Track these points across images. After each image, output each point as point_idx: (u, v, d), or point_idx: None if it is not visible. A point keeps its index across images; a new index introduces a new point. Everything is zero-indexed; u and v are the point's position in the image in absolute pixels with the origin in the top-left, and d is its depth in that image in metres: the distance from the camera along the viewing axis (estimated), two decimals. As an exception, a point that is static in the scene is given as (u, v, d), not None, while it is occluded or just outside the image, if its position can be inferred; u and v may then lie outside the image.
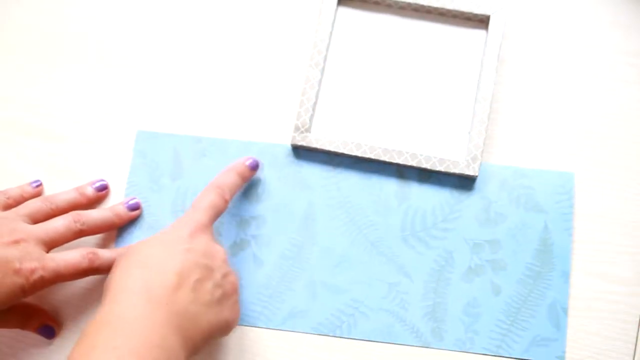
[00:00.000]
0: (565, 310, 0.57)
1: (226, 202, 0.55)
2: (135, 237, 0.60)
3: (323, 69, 0.62)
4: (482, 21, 0.63)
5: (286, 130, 0.62)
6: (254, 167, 0.59)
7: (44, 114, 0.63)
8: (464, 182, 0.60)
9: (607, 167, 0.60)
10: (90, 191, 0.60)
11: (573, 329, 0.57)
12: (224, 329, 0.50)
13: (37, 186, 0.60)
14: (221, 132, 0.62)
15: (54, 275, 0.52)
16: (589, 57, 0.63)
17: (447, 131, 0.61)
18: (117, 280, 0.48)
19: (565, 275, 0.57)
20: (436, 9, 0.63)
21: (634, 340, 0.56)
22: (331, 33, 0.63)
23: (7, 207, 0.57)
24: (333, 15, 0.63)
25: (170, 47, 0.65)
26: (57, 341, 0.57)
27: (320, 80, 0.62)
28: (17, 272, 0.50)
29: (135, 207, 0.60)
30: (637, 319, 0.57)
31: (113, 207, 0.59)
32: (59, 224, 0.55)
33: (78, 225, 0.55)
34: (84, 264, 0.53)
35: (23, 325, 0.56)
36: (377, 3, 0.64)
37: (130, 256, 0.50)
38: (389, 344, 0.56)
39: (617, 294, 0.58)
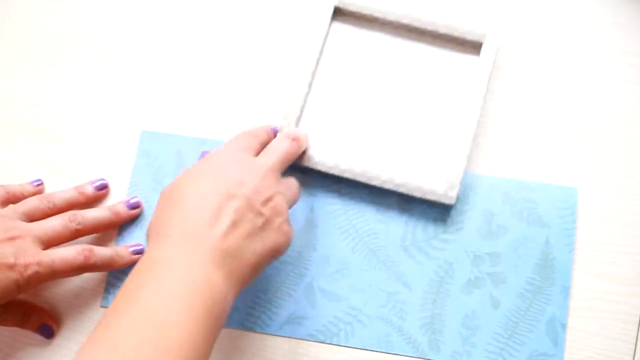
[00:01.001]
0: (564, 327, 0.56)
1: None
2: (135, 237, 0.60)
3: (311, 83, 0.61)
4: (475, 47, 0.62)
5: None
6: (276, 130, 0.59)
7: (44, 114, 0.63)
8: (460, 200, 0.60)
9: (607, 167, 0.60)
10: (89, 190, 0.60)
11: (573, 329, 0.56)
12: (274, 253, 0.49)
13: (38, 185, 0.61)
14: (222, 134, 0.62)
15: (49, 271, 0.52)
16: (589, 57, 0.63)
17: (430, 156, 0.60)
18: (155, 224, 0.48)
19: (566, 291, 0.57)
20: (430, 31, 0.62)
21: (634, 340, 0.56)
22: (322, 48, 0.62)
23: (6, 201, 0.57)
24: (326, 30, 0.62)
25: (171, 48, 0.65)
26: (57, 340, 0.58)
27: (306, 95, 0.61)
28: (11, 267, 0.50)
29: (136, 206, 0.60)
30: (637, 319, 0.57)
31: (112, 205, 0.59)
32: (56, 223, 0.55)
33: (74, 225, 0.55)
34: (80, 260, 0.53)
35: (22, 323, 0.56)
36: (371, 20, 0.63)
37: (167, 197, 0.49)
38: (386, 354, 0.57)
39: (617, 294, 0.57)
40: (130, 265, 0.58)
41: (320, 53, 0.62)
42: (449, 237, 0.59)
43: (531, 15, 0.64)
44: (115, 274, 0.59)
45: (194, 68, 0.64)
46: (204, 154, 0.56)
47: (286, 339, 0.57)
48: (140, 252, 0.59)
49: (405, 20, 0.62)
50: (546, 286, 0.57)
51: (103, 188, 0.61)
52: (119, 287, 0.59)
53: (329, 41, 0.63)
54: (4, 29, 0.66)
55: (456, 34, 0.61)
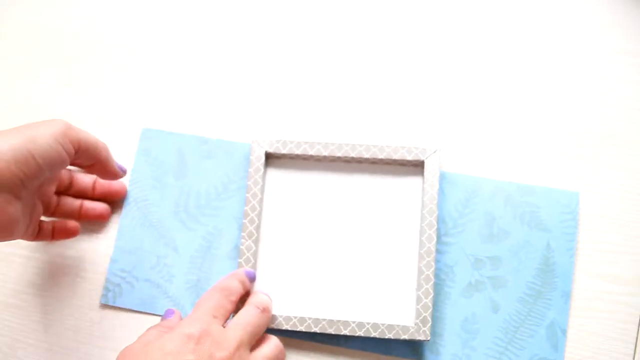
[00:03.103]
0: (564, 332, 0.56)
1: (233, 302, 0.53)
2: (137, 237, 0.60)
3: (257, 239, 0.58)
4: (416, 166, 0.59)
5: (292, 130, 0.62)
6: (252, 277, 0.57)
7: (45, 113, 0.63)
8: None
9: (607, 167, 0.60)
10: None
11: (573, 329, 0.56)
12: None
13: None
14: (224, 132, 0.62)
15: None
16: (589, 57, 0.62)
17: (393, 291, 0.57)
18: None
19: (566, 296, 0.57)
20: (367, 159, 0.59)
21: (634, 340, 0.56)
22: (262, 199, 0.59)
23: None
24: (262, 180, 0.59)
25: (172, 47, 0.64)
26: (55, 340, 0.58)
27: (255, 252, 0.58)
28: None
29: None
30: (637, 319, 0.57)
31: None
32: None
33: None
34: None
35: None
36: (306, 159, 0.60)
37: None
38: (385, 356, 0.57)
39: (617, 294, 0.57)
40: None
41: (261, 205, 0.59)
42: (449, 240, 0.58)
43: (531, 11, 0.63)
44: (115, 271, 0.59)
45: (195, 66, 0.64)
46: (168, 313, 0.54)
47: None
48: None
49: (339, 153, 0.59)
50: (547, 291, 0.57)
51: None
52: (118, 284, 0.59)
53: (267, 190, 0.60)
54: (4, 29, 0.65)
55: (395, 156, 0.59)
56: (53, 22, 0.65)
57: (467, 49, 0.63)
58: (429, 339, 0.55)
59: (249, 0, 0.65)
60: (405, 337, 0.55)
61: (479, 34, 0.63)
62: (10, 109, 0.64)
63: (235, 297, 0.53)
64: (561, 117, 0.61)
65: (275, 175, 0.60)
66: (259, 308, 0.53)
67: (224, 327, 0.50)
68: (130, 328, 0.58)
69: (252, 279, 0.56)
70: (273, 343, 0.53)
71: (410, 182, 0.59)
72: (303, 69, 0.63)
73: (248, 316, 0.52)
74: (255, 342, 0.52)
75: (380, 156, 0.59)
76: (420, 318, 0.55)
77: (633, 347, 0.56)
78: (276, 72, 0.63)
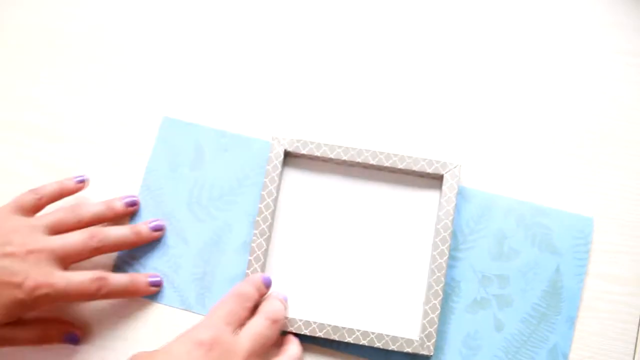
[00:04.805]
0: (565, 357, 0.56)
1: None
2: (149, 226, 0.59)
3: (269, 238, 0.58)
4: (435, 179, 0.59)
5: (311, 129, 0.62)
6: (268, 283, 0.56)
7: (46, 113, 0.63)
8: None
9: (607, 167, 0.60)
10: (119, 206, 0.58)
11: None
12: None
13: (80, 182, 0.59)
14: (243, 128, 0.62)
15: (61, 295, 0.51)
16: (589, 57, 0.62)
17: (400, 302, 0.57)
18: None
19: (571, 321, 0.56)
20: (386, 167, 0.59)
21: (634, 340, 0.56)
22: (277, 198, 0.59)
23: (39, 207, 0.56)
24: (279, 179, 0.59)
25: (174, 46, 0.64)
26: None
27: (266, 251, 0.58)
28: (18, 285, 0.49)
29: (159, 228, 0.59)
30: (637, 319, 0.57)
31: (135, 225, 0.58)
32: (76, 239, 0.53)
33: (94, 243, 0.54)
34: (92, 289, 0.52)
35: (41, 341, 0.55)
36: (325, 161, 0.60)
37: None
38: (385, 365, 0.57)
39: (617, 294, 0.57)
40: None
41: (275, 203, 0.59)
42: (459, 254, 0.58)
43: (531, 11, 0.63)
44: (124, 258, 0.59)
45: (211, 61, 0.64)
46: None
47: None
48: (158, 284, 0.58)
49: (359, 158, 0.58)
50: (552, 314, 0.57)
51: (133, 205, 0.59)
52: (125, 271, 0.59)
53: (283, 189, 0.60)
54: (4, 29, 0.65)
55: (415, 167, 0.58)
56: (53, 22, 0.65)
57: (473, 56, 0.62)
58: (432, 354, 0.55)
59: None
60: (409, 350, 0.55)
61: (483, 41, 0.63)
62: (10, 109, 0.63)
63: (250, 304, 0.53)
64: (560, 117, 0.61)
65: (292, 174, 0.60)
66: (269, 320, 0.52)
67: (236, 334, 0.50)
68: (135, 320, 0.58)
69: (267, 285, 0.55)
70: (290, 355, 0.52)
71: (427, 195, 0.59)
72: (328, 71, 0.63)
73: (259, 327, 0.51)
74: (277, 348, 0.51)
75: (400, 166, 0.58)
76: (426, 333, 0.55)
77: (633, 347, 0.56)
78: (302, 71, 0.63)
